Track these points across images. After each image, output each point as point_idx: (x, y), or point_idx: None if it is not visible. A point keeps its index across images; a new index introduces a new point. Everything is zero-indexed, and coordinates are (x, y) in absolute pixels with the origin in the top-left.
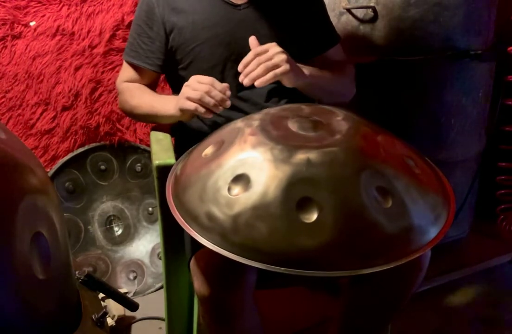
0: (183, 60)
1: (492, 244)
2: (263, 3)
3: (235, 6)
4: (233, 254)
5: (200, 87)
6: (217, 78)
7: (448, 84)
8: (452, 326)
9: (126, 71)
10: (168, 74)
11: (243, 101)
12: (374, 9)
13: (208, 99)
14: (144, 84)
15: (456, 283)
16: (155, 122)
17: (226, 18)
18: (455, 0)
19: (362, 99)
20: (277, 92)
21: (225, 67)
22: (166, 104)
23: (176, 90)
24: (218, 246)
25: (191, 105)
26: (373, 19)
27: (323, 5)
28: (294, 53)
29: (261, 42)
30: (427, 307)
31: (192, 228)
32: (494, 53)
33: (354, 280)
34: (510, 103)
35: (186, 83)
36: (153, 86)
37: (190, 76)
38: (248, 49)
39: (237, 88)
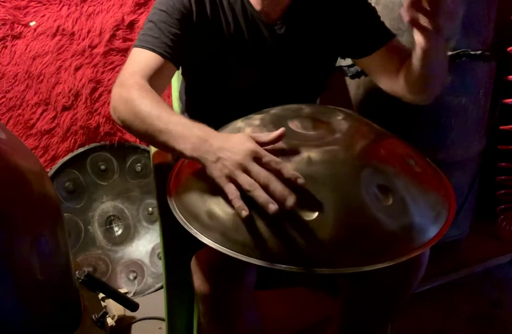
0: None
1: (492, 244)
2: (299, 18)
3: (269, 26)
4: (234, 252)
5: (257, 174)
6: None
7: (448, 84)
8: (452, 326)
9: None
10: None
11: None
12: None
13: (260, 195)
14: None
15: (456, 283)
16: (154, 143)
17: (260, 38)
18: None
19: (362, 99)
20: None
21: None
22: (183, 136)
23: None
24: (219, 244)
25: (233, 195)
26: None
27: (365, 3)
28: (349, 53)
29: (306, 59)
30: (427, 307)
31: (193, 227)
32: (494, 53)
33: (353, 279)
34: (510, 103)
35: (235, 155)
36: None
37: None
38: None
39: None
